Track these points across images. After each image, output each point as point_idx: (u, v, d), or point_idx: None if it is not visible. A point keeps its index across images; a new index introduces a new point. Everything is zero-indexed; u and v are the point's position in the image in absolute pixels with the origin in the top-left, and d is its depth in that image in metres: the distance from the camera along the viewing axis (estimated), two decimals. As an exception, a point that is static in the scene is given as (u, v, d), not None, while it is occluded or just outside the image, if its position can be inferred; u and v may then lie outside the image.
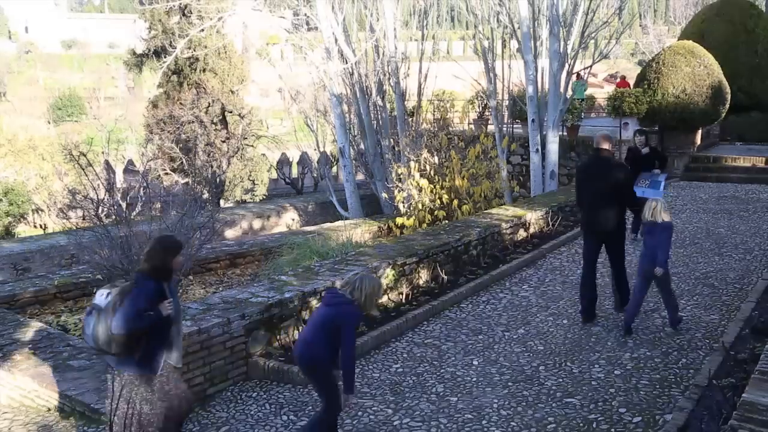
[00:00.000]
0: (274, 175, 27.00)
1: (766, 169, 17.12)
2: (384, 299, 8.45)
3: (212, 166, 23.16)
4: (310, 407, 6.04)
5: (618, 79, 26.53)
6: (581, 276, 7.87)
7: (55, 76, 73.98)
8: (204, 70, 25.06)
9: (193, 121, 23.01)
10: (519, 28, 15.98)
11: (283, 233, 15.91)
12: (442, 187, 14.38)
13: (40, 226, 21.63)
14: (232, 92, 25.55)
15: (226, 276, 11.50)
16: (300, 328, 7.18)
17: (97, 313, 4.49)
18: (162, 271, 4.68)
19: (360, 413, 5.88)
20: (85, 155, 12.77)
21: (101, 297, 4.54)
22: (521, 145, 18.17)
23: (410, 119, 19.05)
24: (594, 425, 5.46)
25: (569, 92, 16.03)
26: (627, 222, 8.10)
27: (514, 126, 19.15)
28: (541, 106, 16.14)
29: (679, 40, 22.04)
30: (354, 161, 19.46)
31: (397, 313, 8.06)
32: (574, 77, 17.93)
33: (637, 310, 7.27)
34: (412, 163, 14.80)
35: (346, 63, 17.89)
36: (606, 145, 7.61)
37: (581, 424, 5.48)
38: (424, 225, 13.83)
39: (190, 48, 22.63)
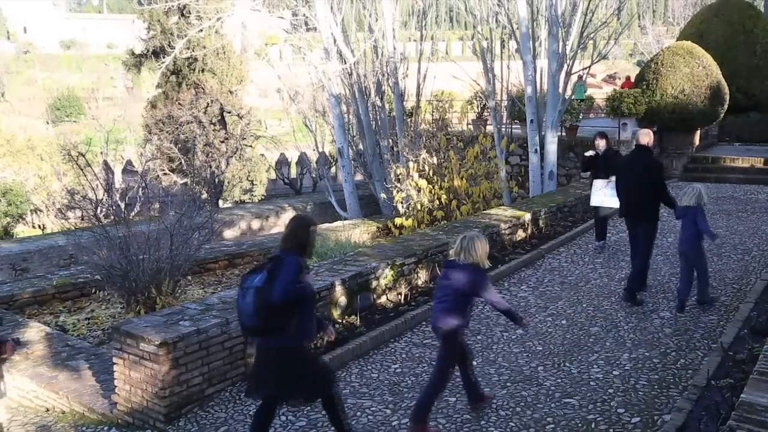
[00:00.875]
0: (273, 175, 26.99)
1: (764, 170, 17.13)
2: (383, 299, 8.45)
3: (211, 167, 23.16)
4: (308, 408, 6.04)
5: (624, 80, 26.55)
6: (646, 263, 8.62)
7: (53, 77, 73.96)
8: (203, 71, 25.07)
9: (191, 122, 23.01)
10: (518, 28, 15.98)
11: (282, 233, 15.90)
12: (440, 188, 14.37)
13: (39, 227, 21.62)
14: (231, 92, 25.57)
15: (225, 276, 11.49)
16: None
17: (254, 292, 4.73)
18: (306, 247, 5.06)
19: (358, 413, 5.88)
20: (83, 155, 12.78)
21: (254, 279, 4.78)
22: (520, 146, 18.18)
23: (409, 120, 19.04)
24: (593, 425, 5.46)
25: (568, 93, 16.03)
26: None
27: (513, 126, 19.16)
28: (539, 107, 16.15)
29: (677, 40, 22.06)
30: (353, 162, 19.46)
31: (395, 314, 8.06)
32: (575, 78, 17.94)
33: (689, 287, 7.94)
34: (410, 164, 14.80)
35: (345, 63, 17.89)
36: (645, 141, 8.35)
37: (580, 425, 5.48)
38: (423, 225, 13.82)
39: (188, 48, 22.65)
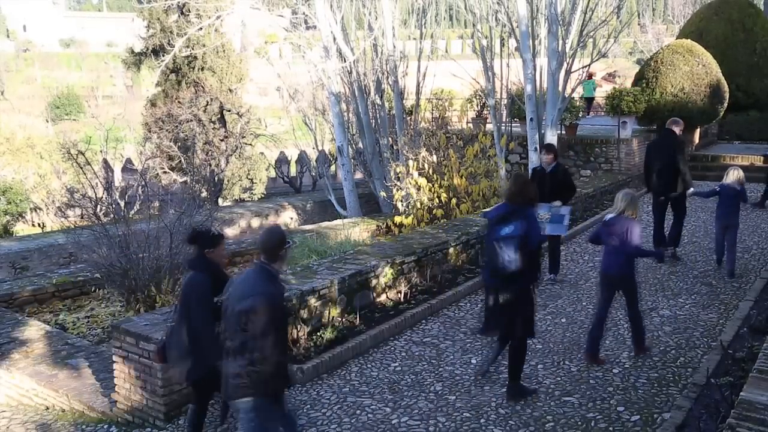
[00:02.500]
0: (273, 173, 26.97)
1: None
2: (382, 298, 8.45)
3: (211, 165, 23.13)
4: (308, 406, 6.04)
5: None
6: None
7: (53, 75, 73.84)
8: (202, 69, 25.03)
9: (191, 120, 22.97)
10: (517, 26, 15.96)
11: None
12: (440, 186, 14.36)
13: (39, 225, 21.60)
14: (231, 91, 25.53)
15: (225, 275, 11.48)
16: (298, 326, 7.18)
17: (517, 240, 5.47)
18: (533, 200, 5.95)
19: (358, 412, 5.89)
20: (83, 154, 12.78)
21: (503, 230, 5.54)
22: (520, 144, 18.16)
23: (409, 118, 19.02)
24: (592, 424, 5.46)
25: (568, 91, 16.01)
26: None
27: (513, 125, 19.13)
28: (539, 105, 16.12)
29: (677, 38, 22.03)
30: (352, 160, 19.43)
31: (395, 312, 8.06)
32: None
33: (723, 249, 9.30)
34: (410, 162, 14.79)
35: (345, 62, 17.87)
36: (675, 129, 9.69)
37: (579, 423, 5.49)
38: (423, 224, 13.81)
39: (188, 46, 22.61)
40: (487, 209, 6.57)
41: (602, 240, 6.65)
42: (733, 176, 9.16)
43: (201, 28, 21.64)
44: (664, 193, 9.75)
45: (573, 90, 16.38)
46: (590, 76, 23.64)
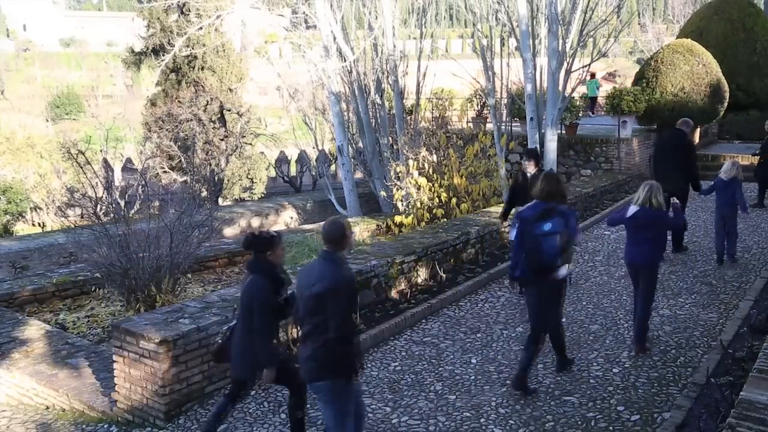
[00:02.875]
0: (273, 173, 26.97)
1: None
2: (382, 297, 8.45)
3: (211, 165, 23.13)
4: (308, 405, 6.04)
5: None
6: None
7: (53, 74, 73.84)
8: (202, 69, 25.03)
9: (191, 120, 22.98)
10: (517, 26, 15.95)
11: (281, 231, 15.88)
12: (440, 186, 14.35)
13: (39, 225, 21.61)
14: (231, 90, 25.52)
15: (225, 274, 11.49)
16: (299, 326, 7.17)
17: (559, 235, 5.83)
18: (565, 197, 6.25)
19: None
20: (83, 153, 12.77)
21: (544, 226, 5.86)
22: (520, 144, 18.15)
23: (409, 117, 19.01)
24: (592, 423, 5.46)
25: (568, 91, 16.00)
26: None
27: (513, 124, 19.12)
28: (539, 105, 16.11)
29: (677, 38, 22.03)
30: (352, 159, 19.43)
31: (395, 312, 8.06)
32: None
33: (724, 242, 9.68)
34: (410, 162, 14.78)
35: (345, 61, 17.86)
36: (684, 128, 10.19)
37: (579, 422, 5.49)
38: (423, 223, 13.81)
39: (188, 46, 22.61)
40: (521, 209, 6.71)
41: (629, 232, 6.95)
42: (727, 168, 9.69)
43: (201, 28, 21.62)
44: (671, 191, 9.82)
45: (573, 89, 16.37)
46: (593, 75, 23.63)
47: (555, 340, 6.44)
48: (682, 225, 7.22)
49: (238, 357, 5.21)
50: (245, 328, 5.09)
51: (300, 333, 4.67)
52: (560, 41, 15.45)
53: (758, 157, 14.16)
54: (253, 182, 25.02)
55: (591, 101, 23.99)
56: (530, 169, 8.67)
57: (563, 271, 5.99)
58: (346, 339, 4.46)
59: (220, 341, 5.41)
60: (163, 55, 21.31)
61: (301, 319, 4.68)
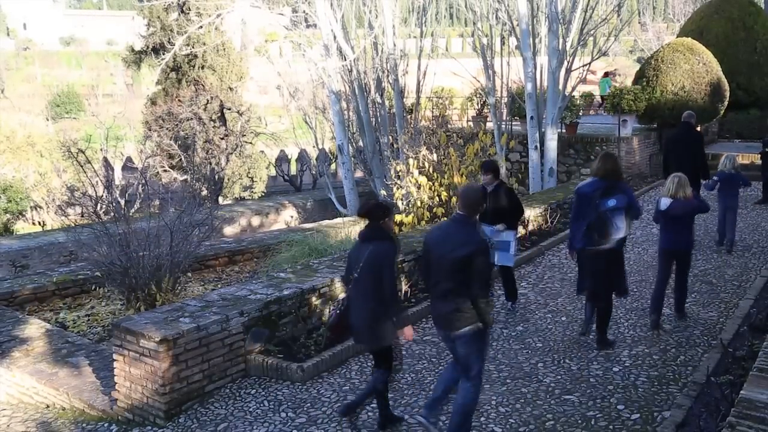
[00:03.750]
0: (273, 172, 26.98)
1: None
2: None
3: (211, 163, 23.14)
4: (308, 404, 6.04)
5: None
6: None
7: (53, 73, 73.81)
8: (203, 67, 25.02)
9: (191, 118, 22.98)
10: (518, 25, 15.96)
11: (281, 230, 15.90)
12: (440, 185, 14.34)
13: (39, 223, 21.62)
14: (231, 89, 25.52)
15: (225, 273, 11.49)
16: (299, 325, 7.19)
17: (625, 210, 6.56)
18: (622, 175, 6.94)
19: (358, 410, 5.89)
20: (83, 152, 12.77)
21: (609, 202, 6.49)
22: (520, 143, 18.15)
23: (409, 116, 19.02)
24: (592, 422, 5.46)
25: (568, 89, 16.00)
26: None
27: (513, 123, 19.12)
28: (539, 104, 16.13)
29: (677, 37, 22.00)
30: (353, 158, 19.44)
31: (395, 310, 8.04)
32: (575, 75, 17.93)
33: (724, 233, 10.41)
34: (410, 161, 14.77)
35: (345, 60, 17.87)
36: (690, 120, 11.20)
37: (580, 421, 5.49)
38: (423, 222, 13.80)
39: (188, 45, 22.61)
40: (580, 183, 7.24)
41: (664, 222, 7.46)
42: (724, 162, 10.41)
43: (201, 27, 21.63)
44: None
45: (573, 88, 16.37)
46: (606, 74, 23.64)
47: (602, 316, 6.93)
48: (707, 209, 7.86)
49: (368, 328, 5.32)
50: (375, 296, 5.21)
51: (432, 290, 5.14)
52: (560, 40, 15.46)
53: (761, 154, 14.15)
54: (253, 181, 25.03)
55: (602, 99, 23.98)
56: (488, 181, 7.89)
57: (622, 239, 6.70)
58: (486, 294, 4.96)
59: (334, 318, 5.49)
60: (164, 54, 21.32)
61: (432, 278, 5.08)
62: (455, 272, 4.87)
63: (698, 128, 19.07)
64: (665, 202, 7.32)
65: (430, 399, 5.33)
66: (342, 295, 5.52)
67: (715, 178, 10.41)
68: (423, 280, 5.40)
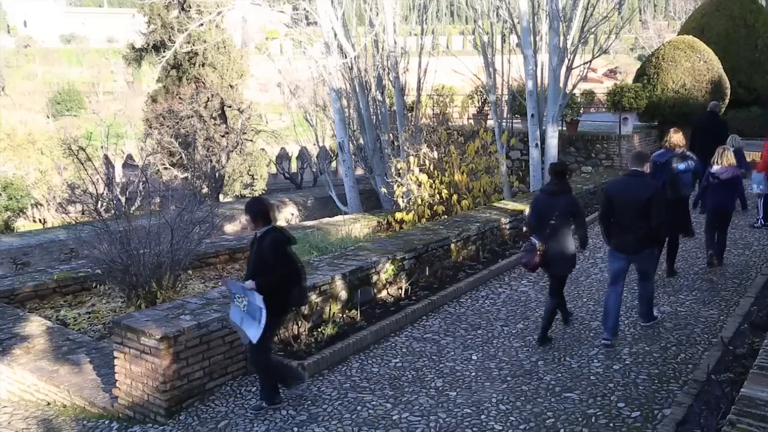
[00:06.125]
0: (274, 169, 26.98)
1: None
2: (383, 294, 8.45)
3: (211, 161, 23.14)
4: (309, 402, 6.05)
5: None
6: None
7: (53, 71, 73.85)
8: (203, 65, 25.00)
9: (192, 116, 22.97)
10: (518, 22, 15.94)
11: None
12: (441, 182, 14.36)
13: (40, 221, 21.64)
14: (231, 87, 25.50)
15: (226, 271, 11.49)
16: (299, 322, 7.19)
17: (693, 172, 8.75)
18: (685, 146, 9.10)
19: (359, 407, 5.90)
20: (84, 150, 12.76)
21: (682, 165, 8.56)
22: (520, 140, 18.13)
23: (409, 114, 19.00)
24: (593, 420, 5.47)
25: (569, 87, 15.98)
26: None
27: (514, 121, 19.08)
28: (540, 101, 16.11)
29: (678, 34, 21.97)
30: (353, 156, 19.43)
31: (396, 308, 8.06)
32: (576, 72, 17.90)
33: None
34: (411, 158, 14.79)
35: (346, 58, 17.85)
36: (715, 110, 13.32)
37: (580, 419, 5.50)
38: (424, 220, 13.82)
39: (189, 42, 22.56)
40: (654, 154, 8.90)
41: (711, 187, 9.10)
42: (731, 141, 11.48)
43: (202, 24, 21.60)
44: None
45: (574, 86, 16.35)
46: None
47: (673, 247, 8.94)
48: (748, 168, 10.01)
49: (562, 259, 6.97)
50: (566, 235, 6.96)
51: (618, 223, 6.93)
52: (561, 38, 15.44)
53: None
54: (253, 179, 25.04)
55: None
56: (252, 226, 6.12)
57: (688, 193, 8.82)
58: (664, 224, 6.88)
59: (536, 257, 6.92)
60: (164, 52, 21.29)
61: (624, 216, 6.84)
62: (641, 210, 6.69)
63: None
64: (715, 168, 8.99)
65: (609, 327, 6.91)
66: (533, 239, 7.00)
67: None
68: (602, 222, 7.24)
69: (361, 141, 19.41)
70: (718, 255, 9.34)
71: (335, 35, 17.63)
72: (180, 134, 22.92)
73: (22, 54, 79.48)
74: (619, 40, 51.04)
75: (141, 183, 15.65)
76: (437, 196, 14.24)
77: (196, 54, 24.41)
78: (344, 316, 7.71)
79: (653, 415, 5.46)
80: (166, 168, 22.17)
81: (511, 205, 12.25)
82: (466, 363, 6.72)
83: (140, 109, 28.88)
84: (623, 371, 6.30)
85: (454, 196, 14.11)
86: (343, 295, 7.84)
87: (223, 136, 23.78)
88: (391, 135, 18.58)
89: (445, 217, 13.03)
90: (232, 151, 23.83)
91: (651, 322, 7.39)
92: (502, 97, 18.33)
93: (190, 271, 10.40)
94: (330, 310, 7.60)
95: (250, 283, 5.69)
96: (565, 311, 7.56)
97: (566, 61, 15.65)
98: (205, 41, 23.33)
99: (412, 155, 14.86)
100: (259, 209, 5.96)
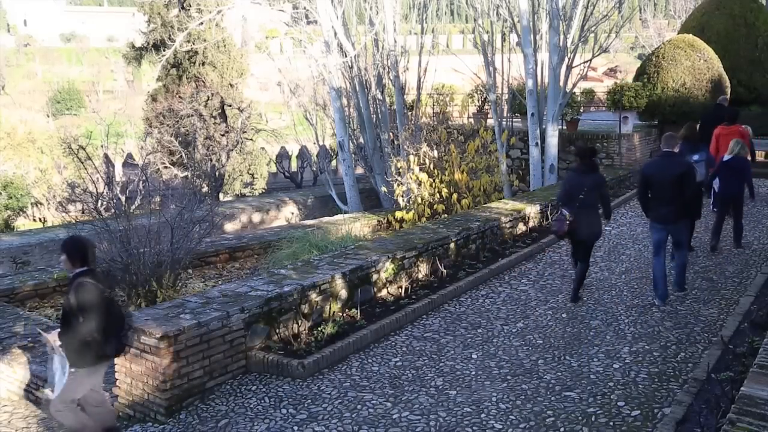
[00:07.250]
0: (274, 168, 26.98)
1: (765, 163, 17.09)
2: (383, 293, 8.46)
3: (211, 160, 23.14)
4: (309, 401, 6.05)
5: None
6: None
7: (53, 70, 73.82)
8: (203, 64, 24.99)
9: (192, 115, 22.96)
10: (519, 21, 15.94)
11: (282, 227, 15.91)
12: (441, 181, 14.37)
13: (40, 220, 21.66)
14: (232, 86, 25.49)
15: (226, 270, 11.51)
16: (299, 321, 7.19)
17: (706, 161, 9.95)
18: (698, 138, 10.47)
19: (359, 406, 5.90)
20: (84, 149, 12.76)
21: (693, 157, 9.42)
22: (520, 139, 18.13)
23: (410, 113, 19.00)
24: (593, 418, 5.47)
25: (569, 86, 15.98)
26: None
27: (514, 120, 19.09)
28: (540, 100, 16.12)
29: (678, 33, 21.96)
30: (353, 155, 19.43)
31: (396, 307, 8.06)
32: (576, 71, 17.91)
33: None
34: (411, 157, 14.79)
35: (346, 56, 17.85)
36: (724, 103, 14.36)
37: (580, 418, 5.50)
38: (424, 219, 13.82)
39: (189, 41, 22.57)
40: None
41: (723, 174, 9.90)
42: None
43: (202, 23, 21.60)
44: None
45: (574, 85, 16.35)
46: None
47: (689, 229, 9.34)
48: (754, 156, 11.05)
49: (588, 225, 7.95)
50: (593, 207, 7.97)
51: (656, 197, 7.89)
52: (561, 37, 15.44)
53: None
54: (253, 178, 25.04)
55: None
56: (68, 267, 5.59)
57: (702, 180, 9.44)
58: (695, 196, 8.06)
59: (565, 225, 7.94)
60: (164, 51, 21.29)
61: (661, 192, 7.81)
62: (675, 185, 7.62)
63: (697, 126, 19.20)
64: (727, 157, 9.82)
65: (660, 291, 7.89)
66: (564, 210, 7.94)
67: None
68: (640, 199, 8.21)
69: (361, 140, 19.42)
70: (735, 239, 10.16)
71: (335, 34, 17.63)
72: (180, 133, 22.92)
73: (22, 53, 79.46)
74: (619, 39, 51.03)
75: (141, 182, 15.68)
76: (437, 195, 14.25)
77: (196, 53, 24.40)
78: (344, 315, 7.71)
79: (653, 414, 5.46)
80: (166, 167, 22.18)
81: (511, 204, 12.25)
82: (466, 362, 6.72)
83: (140, 108, 28.86)
84: (623, 370, 6.30)
85: (454, 195, 14.11)
86: (343, 294, 7.85)
87: (223, 135, 23.78)
88: (391, 134, 18.59)
89: (445, 216, 13.03)
90: (232, 150, 23.83)
91: (683, 291, 8.19)
92: (502, 96, 18.34)
93: (190, 270, 10.41)
94: (330, 309, 7.60)
95: (53, 335, 5.30)
96: (580, 285, 8.31)
97: (566, 59, 15.66)
98: (205, 40, 23.34)
99: (412, 154, 14.86)
100: (74, 248, 5.42)
